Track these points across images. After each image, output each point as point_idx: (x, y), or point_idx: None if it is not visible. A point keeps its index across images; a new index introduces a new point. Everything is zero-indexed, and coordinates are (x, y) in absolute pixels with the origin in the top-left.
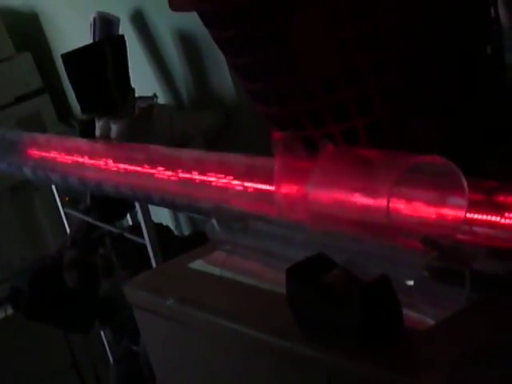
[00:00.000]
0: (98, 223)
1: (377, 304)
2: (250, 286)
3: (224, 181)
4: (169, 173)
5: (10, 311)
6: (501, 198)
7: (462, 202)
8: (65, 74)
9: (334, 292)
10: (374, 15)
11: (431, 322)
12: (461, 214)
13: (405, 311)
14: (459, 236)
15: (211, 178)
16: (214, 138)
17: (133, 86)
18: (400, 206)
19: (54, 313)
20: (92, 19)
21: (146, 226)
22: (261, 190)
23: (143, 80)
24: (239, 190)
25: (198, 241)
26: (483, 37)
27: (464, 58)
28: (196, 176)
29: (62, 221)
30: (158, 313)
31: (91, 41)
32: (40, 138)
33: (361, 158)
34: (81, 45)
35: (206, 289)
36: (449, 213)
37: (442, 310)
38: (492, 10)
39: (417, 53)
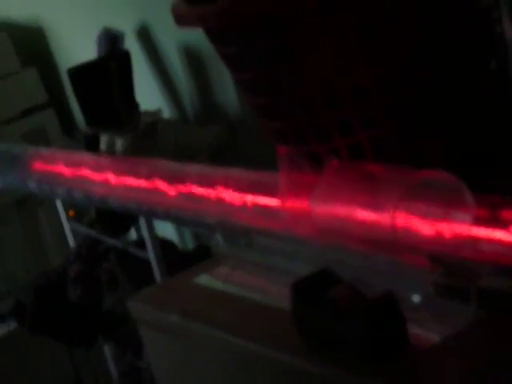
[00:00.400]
0: (103, 237)
1: (382, 320)
2: (255, 301)
3: (228, 195)
4: (173, 187)
5: (13, 325)
6: (506, 214)
7: (468, 217)
8: (70, 89)
9: (338, 308)
10: (379, 32)
11: (437, 338)
12: (467, 229)
13: (410, 327)
14: (465, 252)
15: (216, 193)
16: (218, 153)
17: (138, 100)
18: (405, 221)
19: (58, 327)
20: (97, 34)
21: (151, 241)
22: (265, 204)
23: (148, 94)
24: (244, 205)
25: (202, 255)
26: (488, 52)
27: (469, 73)
28: (200, 190)
29: (67, 235)
30: (162, 327)
31: (97, 56)
32: (45, 152)
33: (366, 173)
34: (86, 60)
35: (211, 304)
36: (455, 228)
37: (448, 327)
38: (497, 26)
39: (421, 68)
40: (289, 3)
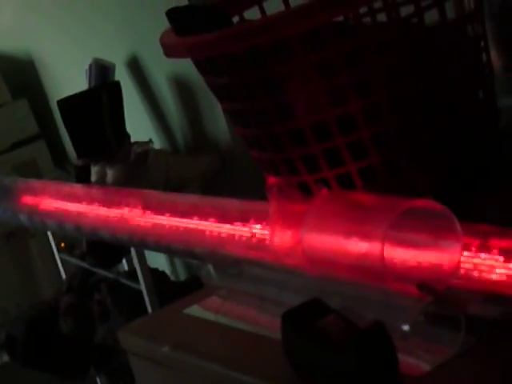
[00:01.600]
0: (94, 269)
1: (372, 350)
2: (246, 332)
3: (219, 226)
4: (164, 218)
5: (5, 358)
6: (495, 242)
7: (457, 246)
8: (61, 120)
9: (329, 338)
10: (367, 63)
11: (427, 367)
12: (455, 258)
13: (400, 356)
14: (454, 280)
15: (206, 223)
16: (209, 183)
17: (128, 131)
18: (394, 250)
19: (50, 360)
20: (88, 66)
21: (142, 272)
22: (256, 234)
23: (139, 125)
24: (234, 235)
25: (194, 286)
26: (475, 81)
27: (456, 102)
28: (191, 221)
29: (58, 267)
30: (153, 359)
31: (87, 87)
32: (35, 184)
33: (355, 202)
34: (77, 91)
35: (202, 335)
36: (443, 257)
37: (438, 355)
38: (484, 55)
39: (409, 99)
40: (276, 35)
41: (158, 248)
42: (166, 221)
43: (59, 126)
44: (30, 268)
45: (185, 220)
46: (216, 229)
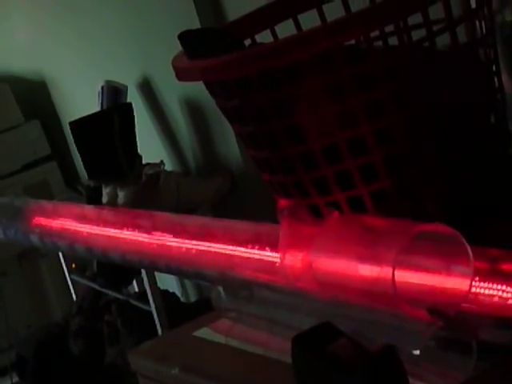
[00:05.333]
0: (104, 290)
1: (383, 374)
2: (256, 355)
3: (230, 248)
4: (175, 240)
5: (15, 379)
6: (506, 267)
7: (468, 270)
8: (73, 142)
9: (339, 362)
10: (377, 86)
11: None
12: (466, 282)
13: (411, 381)
14: (465, 305)
15: (217, 245)
16: (220, 205)
17: (140, 152)
18: (405, 274)
19: (59, 381)
20: (100, 87)
21: (152, 293)
22: (266, 257)
23: (150, 147)
24: (245, 257)
25: (204, 308)
26: (487, 105)
27: (468, 126)
28: (202, 243)
29: (69, 288)
30: (162, 381)
31: (99, 108)
32: (47, 205)
33: (366, 225)
34: (89, 112)
35: (211, 357)
36: (454, 281)
37: (449, 380)
38: (495, 79)
39: (420, 122)
40: (288, 58)
41: (168, 270)
42: (177, 243)
43: (71, 147)
44: (41, 288)
45: (195, 242)
46: (226, 251)
